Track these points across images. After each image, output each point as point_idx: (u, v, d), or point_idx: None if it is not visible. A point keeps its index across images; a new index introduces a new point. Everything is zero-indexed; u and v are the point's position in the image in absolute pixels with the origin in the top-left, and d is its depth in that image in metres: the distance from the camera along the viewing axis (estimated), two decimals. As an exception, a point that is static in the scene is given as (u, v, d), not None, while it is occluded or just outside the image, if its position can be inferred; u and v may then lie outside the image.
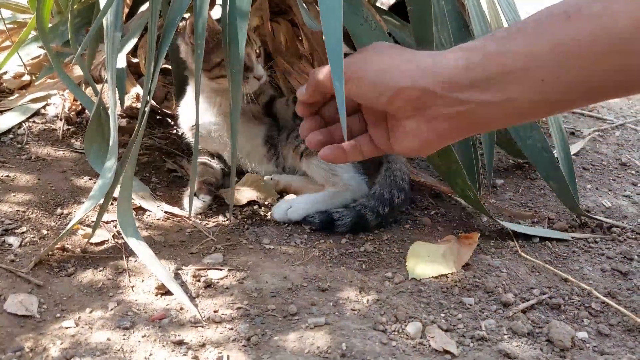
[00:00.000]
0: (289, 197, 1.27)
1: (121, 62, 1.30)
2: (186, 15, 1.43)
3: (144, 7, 1.54)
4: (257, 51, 1.23)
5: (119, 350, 0.81)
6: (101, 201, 1.00)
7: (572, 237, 1.24)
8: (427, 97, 0.62)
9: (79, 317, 0.88)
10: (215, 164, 1.34)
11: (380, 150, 0.72)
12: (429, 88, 0.62)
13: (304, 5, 1.09)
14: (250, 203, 1.27)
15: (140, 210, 1.19)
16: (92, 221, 1.09)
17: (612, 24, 0.54)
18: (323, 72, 0.69)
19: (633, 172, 1.62)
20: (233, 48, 0.98)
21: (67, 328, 0.85)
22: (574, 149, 1.68)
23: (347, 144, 0.72)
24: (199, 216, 1.21)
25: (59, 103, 1.48)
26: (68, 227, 0.99)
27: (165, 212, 1.18)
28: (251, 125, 1.32)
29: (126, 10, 1.54)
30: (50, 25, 1.44)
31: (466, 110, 0.62)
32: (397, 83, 0.63)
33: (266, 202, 1.28)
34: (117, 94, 1.09)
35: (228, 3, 1.01)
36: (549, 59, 0.56)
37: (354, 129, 0.73)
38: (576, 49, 0.55)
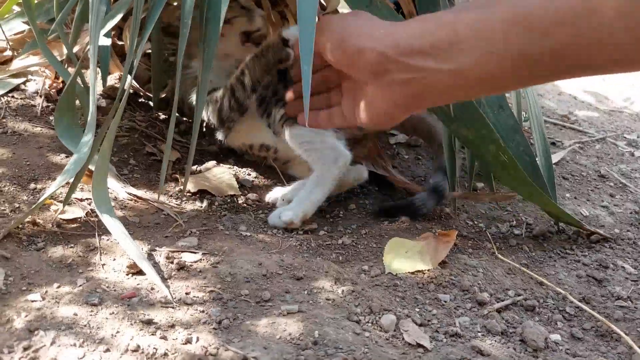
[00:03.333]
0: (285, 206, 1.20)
1: (105, 40, 1.28)
2: None
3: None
4: None
5: (85, 325, 0.78)
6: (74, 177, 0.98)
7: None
8: (383, 60, 0.64)
9: (46, 292, 0.85)
10: None
11: (348, 120, 0.74)
12: (385, 52, 0.63)
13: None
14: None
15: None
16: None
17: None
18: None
19: (611, 184, 1.64)
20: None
21: (33, 301, 0.82)
22: (554, 158, 1.69)
23: (323, 112, 0.76)
24: (175, 200, 1.19)
25: (40, 80, 1.45)
26: (40, 200, 0.97)
27: (129, 194, 1.15)
28: None
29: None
30: (35, 1, 1.41)
31: (418, 78, 0.62)
32: (359, 44, 0.65)
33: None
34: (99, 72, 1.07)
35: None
36: (498, 30, 0.56)
37: (333, 100, 0.77)
38: (525, 21, 0.55)
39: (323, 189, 1.18)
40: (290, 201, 1.18)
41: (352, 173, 1.27)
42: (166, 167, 1.01)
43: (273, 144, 1.30)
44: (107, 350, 0.75)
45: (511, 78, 0.59)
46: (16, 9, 1.51)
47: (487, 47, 0.57)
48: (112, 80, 1.51)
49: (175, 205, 1.17)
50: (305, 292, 0.93)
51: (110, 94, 1.47)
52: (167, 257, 0.97)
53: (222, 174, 1.29)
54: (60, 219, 1.03)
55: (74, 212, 1.05)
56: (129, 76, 1.08)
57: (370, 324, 0.88)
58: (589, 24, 0.52)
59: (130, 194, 1.15)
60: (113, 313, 0.82)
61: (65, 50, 1.38)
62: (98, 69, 1.32)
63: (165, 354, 0.75)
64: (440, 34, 0.60)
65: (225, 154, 1.39)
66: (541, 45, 0.55)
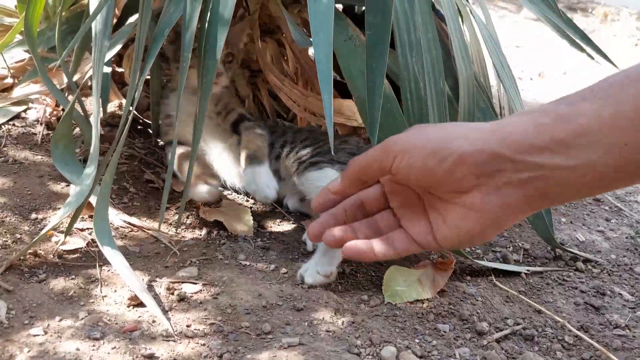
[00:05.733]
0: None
1: (106, 69, 1.29)
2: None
3: (132, 19, 1.54)
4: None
5: (87, 361, 0.79)
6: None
7: (528, 270, 1.24)
8: (495, 161, 0.56)
9: (48, 325, 0.85)
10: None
11: (419, 245, 0.64)
12: (497, 151, 0.56)
13: (294, 23, 1.09)
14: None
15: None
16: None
17: None
18: (374, 151, 0.62)
19: (606, 207, 1.65)
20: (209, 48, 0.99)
21: (35, 336, 0.82)
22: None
23: (377, 240, 0.64)
24: (173, 229, 1.19)
25: (41, 108, 1.47)
26: (42, 232, 0.97)
27: (125, 222, 1.15)
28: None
29: (114, 20, 1.54)
30: (37, 30, 1.42)
31: (539, 176, 0.56)
32: (461, 148, 0.57)
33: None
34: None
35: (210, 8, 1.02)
36: (632, 120, 0.53)
37: (382, 226, 0.67)
38: None
39: None
40: None
41: None
42: (167, 198, 1.01)
43: None
44: (109, 385, 0.75)
45: None
46: (18, 37, 1.53)
47: (619, 138, 0.53)
48: (111, 107, 1.52)
49: (175, 234, 1.17)
50: (306, 324, 0.94)
51: (110, 122, 1.48)
52: (168, 288, 0.97)
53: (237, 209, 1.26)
54: (62, 250, 1.03)
55: (75, 242, 1.06)
56: (130, 106, 1.09)
57: (370, 357, 0.89)
58: None
59: (125, 221, 1.15)
60: (115, 347, 0.82)
61: (65, 79, 1.39)
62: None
63: (167, 390, 0.76)
64: (560, 127, 0.55)
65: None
66: None
